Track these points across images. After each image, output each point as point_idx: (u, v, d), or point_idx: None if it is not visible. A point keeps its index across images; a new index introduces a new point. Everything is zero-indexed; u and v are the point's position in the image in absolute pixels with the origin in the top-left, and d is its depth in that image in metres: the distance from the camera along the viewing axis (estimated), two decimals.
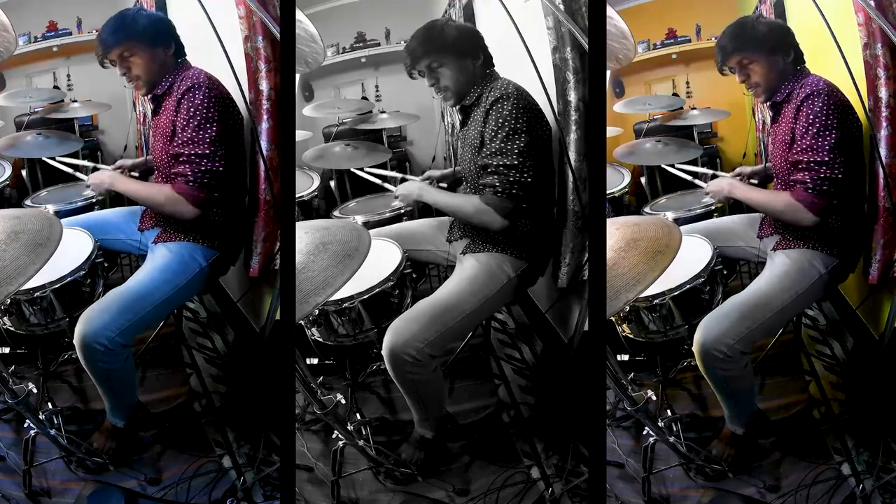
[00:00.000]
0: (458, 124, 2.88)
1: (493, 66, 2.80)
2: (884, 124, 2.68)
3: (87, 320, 2.58)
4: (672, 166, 3.17)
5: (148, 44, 2.71)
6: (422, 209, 3.33)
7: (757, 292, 2.65)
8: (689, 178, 3.11)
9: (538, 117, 2.72)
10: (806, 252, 2.70)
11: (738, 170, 3.03)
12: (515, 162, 2.65)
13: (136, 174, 3.05)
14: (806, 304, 2.85)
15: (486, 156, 2.68)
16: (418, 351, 2.59)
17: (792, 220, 2.66)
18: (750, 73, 2.71)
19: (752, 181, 2.98)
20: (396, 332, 2.60)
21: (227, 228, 2.79)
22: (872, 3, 2.66)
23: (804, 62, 2.71)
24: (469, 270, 2.75)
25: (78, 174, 3.06)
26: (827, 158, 2.58)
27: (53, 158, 3.18)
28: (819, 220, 2.62)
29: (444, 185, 3.14)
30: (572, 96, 2.76)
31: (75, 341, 2.57)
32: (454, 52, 2.73)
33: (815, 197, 2.60)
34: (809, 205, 2.61)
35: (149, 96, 2.79)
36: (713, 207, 3.11)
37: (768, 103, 2.75)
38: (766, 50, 2.68)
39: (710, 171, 3.15)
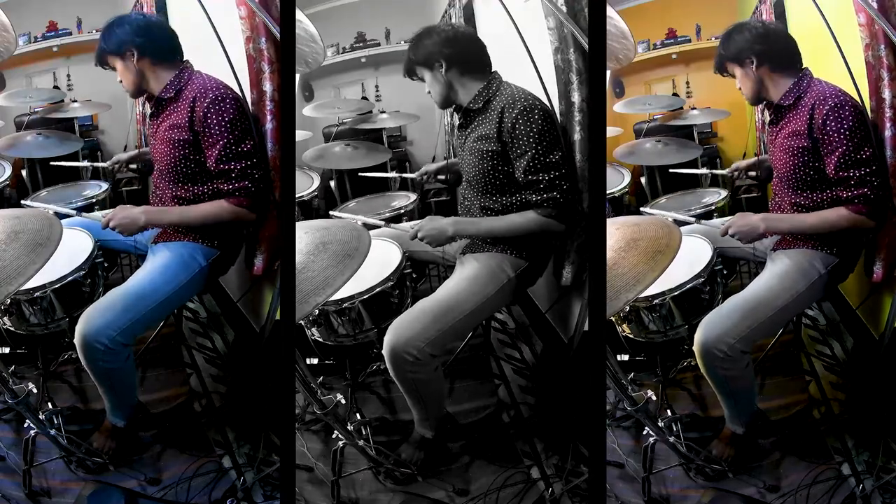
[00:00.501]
0: (457, 125, 2.87)
1: (488, 69, 2.78)
2: (888, 125, 2.68)
3: (88, 320, 2.58)
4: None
5: (137, 50, 2.71)
6: (422, 209, 3.33)
7: (758, 292, 2.65)
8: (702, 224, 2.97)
9: (555, 121, 2.73)
10: (806, 252, 2.70)
11: (734, 165, 3.04)
12: (563, 171, 2.67)
13: (135, 165, 3.06)
14: (806, 303, 2.85)
15: (530, 172, 2.67)
16: (419, 350, 2.59)
17: (853, 230, 2.67)
18: (737, 80, 2.75)
19: (750, 173, 2.99)
20: (397, 331, 2.60)
21: (227, 228, 2.79)
22: (875, 5, 2.66)
23: (800, 65, 2.71)
24: (469, 270, 2.75)
25: (92, 214, 2.96)
26: (874, 168, 2.60)
27: (53, 159, 3.19)
28: (876, 224, 2.65)
29: (442, 176, 3.13)
30: (576, 97, 2.76)
31: (76, 341, 2.57)
32: (425, 65, 2.75)
33: (875, 206, 2.62)
34: (869, 213, 2.62)
35: (150, 98, 2.79)
36: (713, 207, 3.12)
37: (768, 105, 2.75)
38: (739, 61, 2.71)
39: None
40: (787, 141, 2.69)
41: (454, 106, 2.81)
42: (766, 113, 2.84)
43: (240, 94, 2.76)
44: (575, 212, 2.73)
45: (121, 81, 2.77)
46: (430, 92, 2.80)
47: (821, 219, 2.67)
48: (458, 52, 2.74)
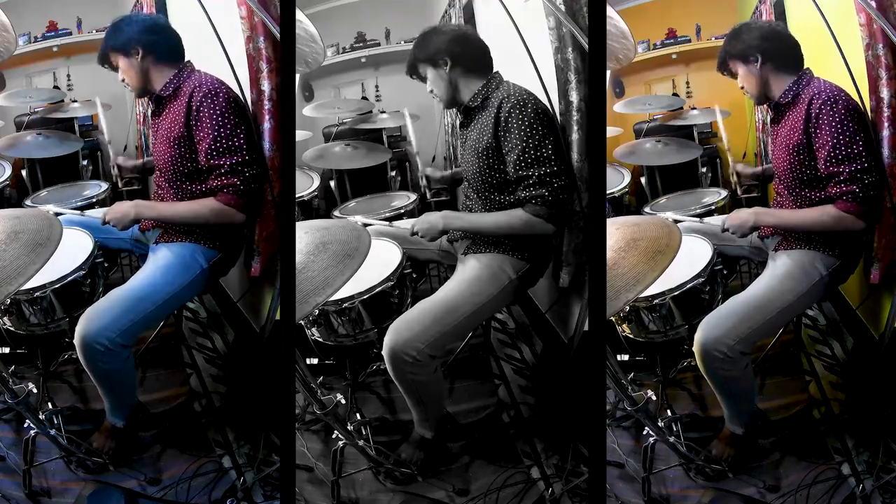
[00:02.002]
0: (458, 125, 2.87)
1: (490, 69, 2.79)
2: (885, 124, 2.68)
3: (88, 320, 2.58)
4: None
5: (141, 49, 2.72)
6: (422, 209, 3.33)
7: (758, 293, 2.65)
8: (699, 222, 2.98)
9: (553, 119, 2.72)
10: (808, 253, 2.70)
11: (738, 168, 3.04)
12: (554, 168, 2.66)
13: (136, 172, 3.06)
14: (807, 304, 2.84)
15: (521, 167, 2.67)
16: (419, 351, 2.59)
17: (841, 231, 2.65)
18: (738, 77, 2.74)
19: (753, 182, 2.99)
20: (397, 332, 2.60)
21: (228, 229, 2.79)
22: (874, 4, 2.66)
23: (802, 65, 2.71)
24: (471, 271, 2.75)
25: (92, 212, 2.97)
26: (866, 165, 2.58)
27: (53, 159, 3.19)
28: (867, 225, 2.62)
29: (444, 185, 3.14)
30: (574, 97, 2.76)
31: (76, 341, 2.57)
32: (430, 62, 2.76)
33: (864, 204, 2.60)
34: (859, 213, 2.60)
35: (151, 97, 2.79)
36: (713, 207, 3.12)
37: (770, 104, 2.75)
38: (743, 59, 2.71)
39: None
40: (786, 138, 2.70)
41: (458, 105, 2.82)
42: (767, 113, 2.85)
43: (238, 92, 2.76)
44: (566, 213, 2.71)
45: (122, 80, 2.77)
46: (432, 91, 2.80)
47: (807, 215, 2.67)
48: (462, 51, 2.75)
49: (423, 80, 2.80)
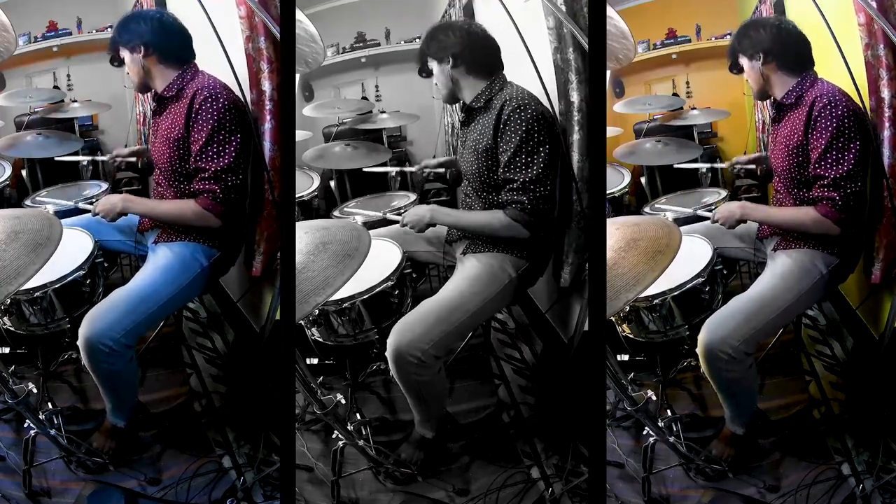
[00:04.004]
0: (458, 124, 2.88)
1: (496, 70, 2.80)
2: (886, 125, 2.69)
3: (92, 322, 2.57)
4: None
5: (148, 46, 2.72)
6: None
7: (760, 293, 2.65)
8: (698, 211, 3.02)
9: (552, 125, 2.73)
10: (807, 252, 2.70)
11: (734, 159, 3.04)
12: (540, 175, 2.67)
13: (134, 159, 3.06)
14: (808, 304, 2.85)
15: (509, 170, 2.68)
16: (423, 352, 2.58)
17: (817, 233, 2.67)
18: (744, 71, 2.75)
19: (749, 166, 3.00)
20: (400, 333, 2.60)
21: (228, 228, 2.79)
22: (874, 5, 2.66)
23: (811, 66, 2.71)
24: (471, 270, 2.75)
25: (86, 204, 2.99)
26: (851, 172, 2.59)
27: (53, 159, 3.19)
28: (842, 232, 2.64)
29: (442, 170, 3.14)
30: (575, 97, 2.76)
31: (79, 343, 2.57)
32: (435, 58, 2.79)
33: (842, 213, 2.61)
34: (836, 220, 2.62)
35: (153, 96, 2.79)
36: (713, 207, 3.11)
37: (772, 103, 2.75)
38: (749, 55, 2.72)
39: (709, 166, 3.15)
40: (786, 138, 2.70)
41: (459, 103, 2.82)
42: (767, 112, 2.85)
43: (240, 97, 2.76)
44: (544, 222, 2.72)
45: (128, 73, 2.79)
46: (435, 85, 2.83)
47: (789, 214, 2.70)
48: (466, 51, 2.76)
49: (430, 74, 2.83)
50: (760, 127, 3.29)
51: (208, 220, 2.72)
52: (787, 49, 2.70)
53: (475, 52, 2.77)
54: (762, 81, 2.73)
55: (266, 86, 2.77)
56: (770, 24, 2.74)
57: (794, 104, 2.69)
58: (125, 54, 2.75)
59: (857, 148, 2.59)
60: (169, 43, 2.76)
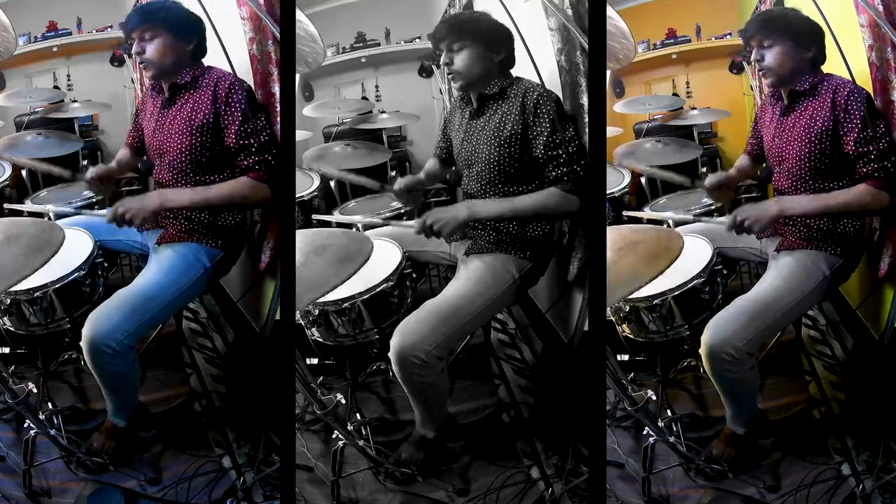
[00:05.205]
0: (467, 114, 2.84)
1: (513, 66, 2.79)
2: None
3: (95, 323, 2.57)
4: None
5: (169, 31, 2.72)
6: (422, 209, 3.32)
7: (763, 293, 2.64)
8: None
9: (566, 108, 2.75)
10: (810, 253, 2.70)
11: (707, 182, 3.03)
12: (582, 148, 2.66)
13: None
14: (811, 304, 2.84)
15: (550, 147, 2.65)
16: (427, 353, 2.58)
17: (877, 209, 2.63)
18: (765, 55, 2.69)
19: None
20: (404, 334, 2.58)
21: (230, 228, 2.79)
22: (880, 8, 2.67)
23: (823, 57, 2.71)
24: (475, 271, 2.74)
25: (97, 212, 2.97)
26: (889, 145, 2.60)
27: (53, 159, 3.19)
28: (892, 203, 2.61)
29: (415, 193, 3.11)
30: (584, 100, 2.77)
31: (83, 344, 2.57)
32: (476, 39, 2.71)
33: (891, 180, 2.60)
34: (888, 188, 2.60)
35: (166, 85, 2.77)
36: (713, 207, 3.12)
37: (786, 92, 2.73)
38: (787, 37, 2.67)
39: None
40: (806, 126, 2.68)
41: (470, 93, 2.80)
42: (771, 107, 2.82)
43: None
44: (587, 191, 2.68)
45: (138, 55, 2.75)
46: (456, 69, 2.72)
47: (845, 198, 2.61)
48: (497, 34, 2.74)
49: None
50: (760, 115, 3.26)
51: (266, 192, 2.70)
52: (808, 36, 2.69)
53: (505, 39, 2.76)
54: (788, 64, 2.69)
55: (276, 88, 2.77)
56: (789, 11, 2.74)
57: (809, 92, 2.68)
58: (146, 33, 2.71)
59: (883, 125, 2.61)
60: (188, 32, 2.75)
